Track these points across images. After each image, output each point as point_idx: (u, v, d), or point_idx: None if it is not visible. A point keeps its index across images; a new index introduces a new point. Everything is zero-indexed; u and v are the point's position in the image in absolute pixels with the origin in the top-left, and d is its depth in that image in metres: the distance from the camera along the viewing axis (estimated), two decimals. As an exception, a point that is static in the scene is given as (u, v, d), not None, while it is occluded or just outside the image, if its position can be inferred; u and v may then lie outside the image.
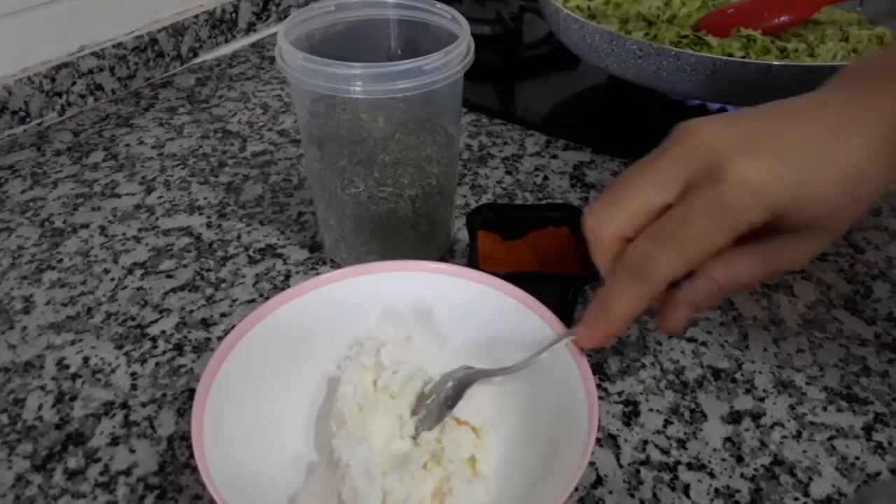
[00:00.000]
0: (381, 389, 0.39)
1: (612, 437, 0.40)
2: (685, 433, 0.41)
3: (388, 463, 0.36)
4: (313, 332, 0.40)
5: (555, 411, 0.36)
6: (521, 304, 0.40)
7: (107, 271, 0.53)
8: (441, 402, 0.38)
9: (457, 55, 0.44)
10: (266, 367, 0.38)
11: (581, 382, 0.35)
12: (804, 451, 0.40)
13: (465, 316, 0.41)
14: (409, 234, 0.49)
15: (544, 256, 0.47)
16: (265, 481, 0.35)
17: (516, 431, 0.38)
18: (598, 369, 0.44)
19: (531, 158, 0.64)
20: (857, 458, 0.39)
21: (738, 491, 0.38)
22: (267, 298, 0.50)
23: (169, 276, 0.52)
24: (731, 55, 0.63)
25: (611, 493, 0.38)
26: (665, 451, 0.40)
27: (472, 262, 0.45)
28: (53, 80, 0.70)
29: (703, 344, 0.46)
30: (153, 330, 0.48)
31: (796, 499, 0.37)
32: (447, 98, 0.47)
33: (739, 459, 0.39)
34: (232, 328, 0.47)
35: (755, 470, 0.39)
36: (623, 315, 0.34)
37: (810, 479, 0.38)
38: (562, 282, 0.45)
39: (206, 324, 0.48)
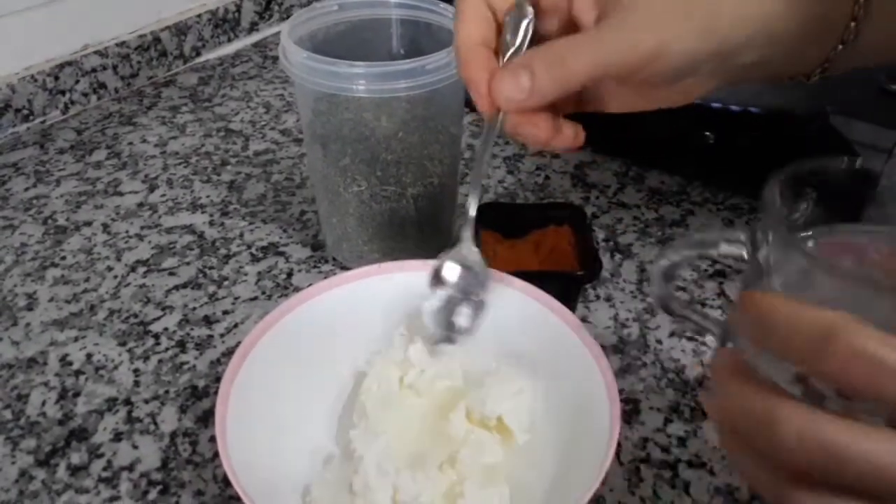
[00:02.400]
0: (407, 387, 0.38)
1: (613, 435, 0.41)
2: (685, 431, 0.41)
3: (405, 460, 0.36)
4: (343, 327, 0.40)
5: (574, 418, 0.36)
6: (547, 310, 0.40)
7: (110, 269, 0.53)
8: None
9: (459, 55, 0.44)
10: (292, 358, 0.39)
11: (606, 397, 0.35)
12: (804, 450, 0.40)
13: (496, 319, 0.41)
14: (411, 233, 0.50)
15: (545, 255, 0.47)
16: (284, 471, 0.35)
17: (535, 437, 0.38)
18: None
19: (532, 158, 0.65)
20: None
21: (737, 489, 0.38)
22: (269, 297, 0.50)
23: (172, 274, 0.52)
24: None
25: (611, 490, 0.38)
26: (665, 449, 0.40)
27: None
28: (57, 78, 0.70)
29: (704, 343, 0.46)
30: (156, 327, 0.48)
31: (796, 497, 0.38)
32: (450, 98, 0.47)
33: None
34: (235, 326, 0.48)
35: (755, 468, 0.39)
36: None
37: (810, 477, 0.39)
38: (563, 280, 0.45)
39: (208, 321, 0.48)
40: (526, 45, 0.34)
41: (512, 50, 0.34)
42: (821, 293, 0.25)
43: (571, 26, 0.35)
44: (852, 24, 0.35)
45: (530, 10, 0.34)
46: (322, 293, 0.41)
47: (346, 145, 0.46)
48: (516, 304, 0.40)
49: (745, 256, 0.29)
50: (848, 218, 0.39)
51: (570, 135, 0.36)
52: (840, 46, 0.36)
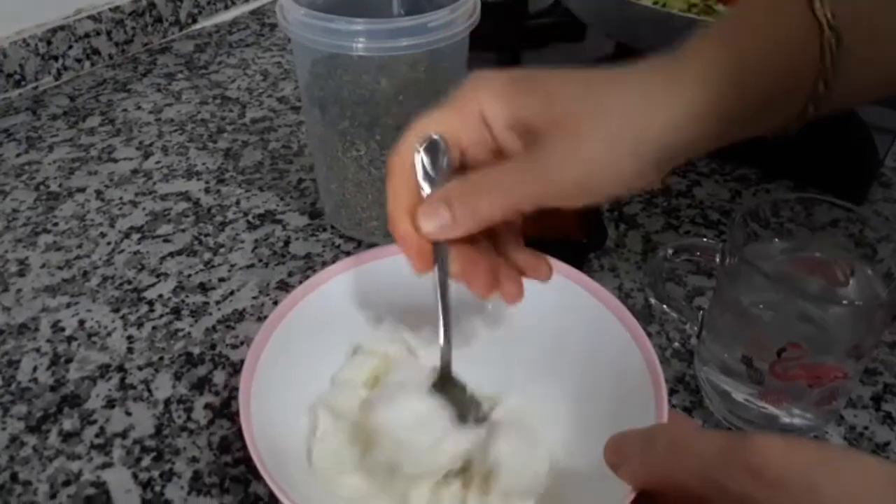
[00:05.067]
0: None
1: (617, 405, 0.40)
2: (691, 402, 0.40)
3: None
4: (375, 302, 0.39)
5: (616, 402, 0.34)
6: (587, 293, 0.38)
7: (103, 235, 0.52)
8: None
9: (462, 13, 0.42)
10: (319, 332, 0.37)
11: (650, 384, 0.33)
12: (811, 420, 0.39)
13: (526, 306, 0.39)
14: (411, 200, 0.48)
15: (547, 223, 0.45)
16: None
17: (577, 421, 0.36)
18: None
19: (536, 128, 0.63)
20: (866, 427, 0.39)
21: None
22: (266, 264, 0.49)
23: (166, 241, 0.51)
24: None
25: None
26: (670, 420, 0.39)
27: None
28: (49, 43, 0.68)
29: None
30: (150, 294, 0.47)
31: (803, 468, 0.37)
32: (453, 59, 0.46)
33: (748, 424, 0.39)
34: (231, 293, 0.47)
35: (761, 439, 0.38)
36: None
37: (817, 448, 0.38)
38: (566, 248, 0.44)
39: (203, 288, 0.47)
40: (445, 178, 0.32)
41: (431, 186, 0.32)
42: (763, 293, 0.34)
43: (498, 154, 0.33)
44: (820, 84, 0.32)
45: (442, 145, 0.32)
46: (355, 267, 0.39)
47: (344, 108, 0.45)
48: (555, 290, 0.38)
49: (718, 261, 0.37)
50: (852, 199, 0.43)
51: (513, 291, 0.34)
52: (811, 107, 0.33)
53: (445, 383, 0.34)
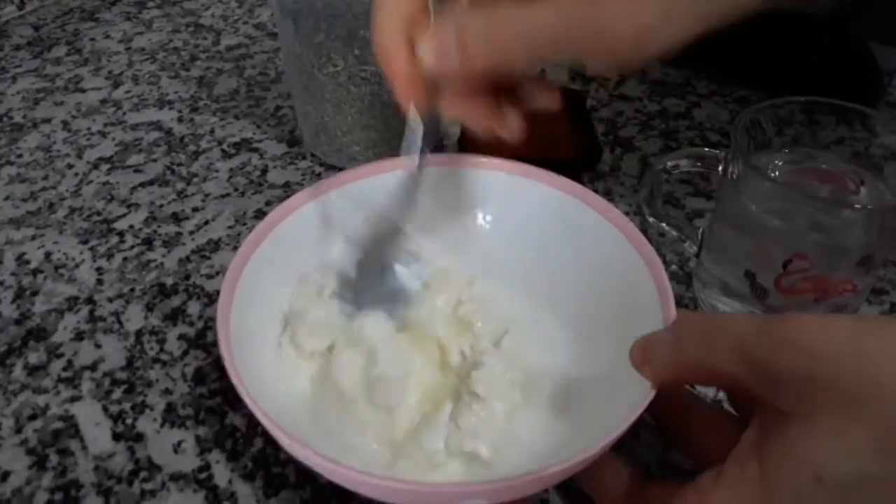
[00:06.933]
0: None
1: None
2: (689, 324, 0.38)
3: None
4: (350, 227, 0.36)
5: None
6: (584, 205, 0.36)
7: (70, 166, 0.49)
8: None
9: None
10: (297, 257, 0.35)
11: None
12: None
13: (507, 215, 0.37)
14: (393, 121, 0.45)
15: (536, 140, 0.43)
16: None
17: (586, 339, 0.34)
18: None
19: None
20: (872, 346, 0.37)
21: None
22: (242, 193, 0.47)
23: (137, 171, 0.49)
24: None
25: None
26: (667, 343, 0.37)
27: (462, 147, 0.41)
28: (9, -31, 0.64)
29: (709, 236, 0.43)
30: (120, 225, 0.45)
31: (806, 389, 0.35)
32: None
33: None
34: (206, 223, 0.45)
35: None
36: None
37: (821, 369, 0.36)
38: (558, 168, 0.41)
39: (176, 218, 0.45)
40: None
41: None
42: (769, 201, 0.32)
43: None
44: None
45: None
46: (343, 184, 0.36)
47: (319, 21, 0.42)
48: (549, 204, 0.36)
49: (720, 171, 0.35)
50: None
51: (514, 127, 0.30)
52: None
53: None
